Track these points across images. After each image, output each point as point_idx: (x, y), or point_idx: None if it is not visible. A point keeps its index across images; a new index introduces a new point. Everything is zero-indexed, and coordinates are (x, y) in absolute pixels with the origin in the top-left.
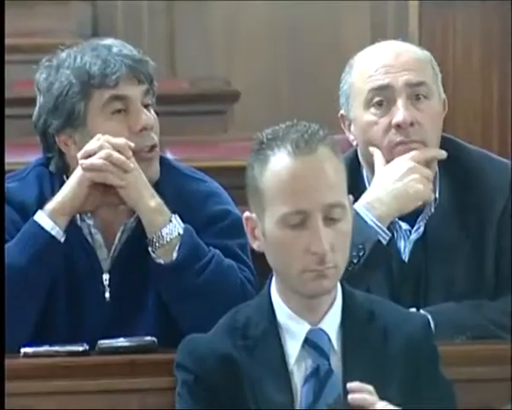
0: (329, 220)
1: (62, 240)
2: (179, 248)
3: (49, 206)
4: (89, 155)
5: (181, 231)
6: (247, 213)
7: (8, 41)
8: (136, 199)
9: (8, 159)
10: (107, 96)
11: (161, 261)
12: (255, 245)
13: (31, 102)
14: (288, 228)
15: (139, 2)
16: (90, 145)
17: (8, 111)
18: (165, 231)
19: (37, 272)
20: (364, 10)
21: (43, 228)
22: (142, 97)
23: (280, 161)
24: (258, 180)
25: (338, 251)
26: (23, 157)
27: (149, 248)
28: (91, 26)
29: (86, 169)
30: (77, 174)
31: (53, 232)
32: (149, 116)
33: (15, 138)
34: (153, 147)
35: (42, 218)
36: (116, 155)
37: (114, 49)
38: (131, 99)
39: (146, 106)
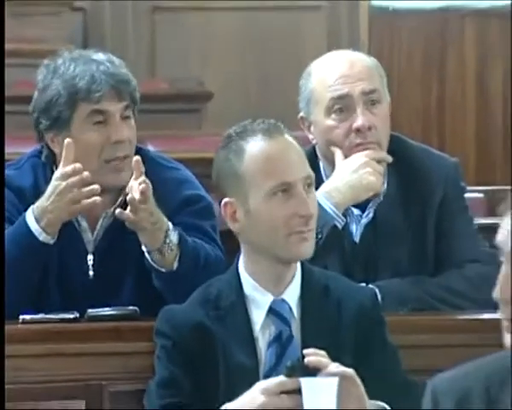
0: (307, 188)
1: (52, 242)
2: (179, 259)
3: (39, 215)
4: (68, 176)
5: (176, 240)
6: (226, 200)
7: (9, 46)
8: (146, 230)
9: (8, 150)
10: (90, 110)
11: (163, 270)
12: (235, 227)
13: (28, 100)
14: (275, 200)
15: (124, 14)
16: (66, 169)
17: (8, 108)
18: (167, 247)
19: (29, 262)
20: (321, 21)
21: (35, 236)
22: (121, 112)
23: (256, 146)
24: (237, 168)
25: (315, 216)
26: (21, 148)
27: (148, 257)
28: (82, 33)
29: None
30: (56, 194)
31: (44, 240)
32: (126, 129)
33: (14, 132)
34: (125, 157)
35: (33, 226)
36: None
37: (102, 67)
38: (111, 113)
39: (126, 117)
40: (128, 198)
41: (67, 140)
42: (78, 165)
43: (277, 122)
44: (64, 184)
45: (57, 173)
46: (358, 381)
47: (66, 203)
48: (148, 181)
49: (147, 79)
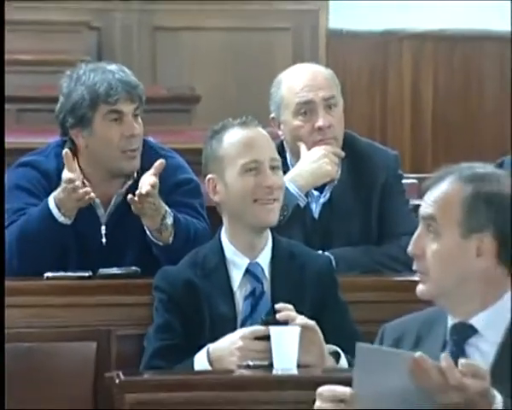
0: (272, 169)
1: (69, 223)
2: (174, 236)
3: (59, 203)
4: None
5: (171, 222)
6: (208, 176)
7: (37, 57)
8: (148, 214)
9: (35, 140)
10: (108, 109)
11: (161, 244)
12: (216, 198)
13: (51, 100)
14: (246, 175)
15: (131, 32)
16: (67, 175)
17: (34, 106)
18: (164, 226)
19: (51, 236)
20: (288, 40)
21: (55, 219)
22: (133, 111)
23: (234, 133)
24: (217, 151)
25: (279, 189)
26: (43, 139)
27: (149, 234)
28: (96, 47)
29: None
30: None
31: (63, 222)
32: (137, 126)
33: (39, 126)
34: (135, 149)
35: (54, 211)
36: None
37: (117, 76)
38: (125, 113)
39: (136, 115)
40: (136, 193)
41: (65, 150)
42: (69, 176)
43: (252, 118)
44: (69, 187)
45: (63, 176)
46: (318, 330)
47: (73, 200)
48: (157, 182)
49: (149, 85)
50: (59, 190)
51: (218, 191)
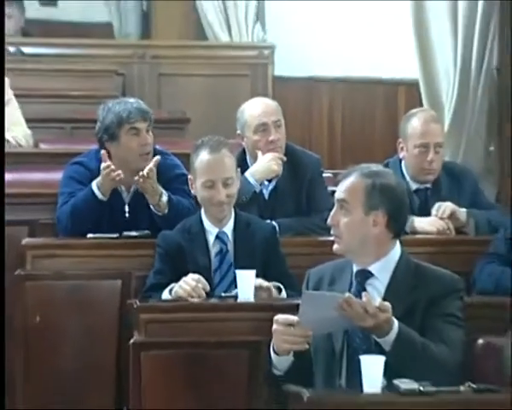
0: (225, 185)
1: (105, 199)
2: (169, 208)
3: (99, 185)
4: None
5: (166, 199)
6: (189, 176)
7: (83, 93)
8: (149, 191)
9: (82, 147)
10: (129, 127)
11: (160, 214)
12: (193, 191)
13: (89, 121)
14: (205, 188)
15: (144, 77)
16: (103, 165)
17: (82, 125)
18: (161, 202)
19: (92, 209)
20: (248, 82)
21: (96, 197)
22: (146, 128)
23: (202, 155)
24: (193, 164)
25: (231, 197)
26: (87, 147)
27: (152, 207)
28: (122, 87)
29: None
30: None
31: (101, 199)
32: (148, 138)
33: (84, 138)
34: (148, 153)
35: (96, 191)
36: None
37: (135, 105)
38: (140, 129)
39: (148, 130)
40: (139, 174)
41: (103, 151)
42: (107, 163)
43: (223, 139)
44: (106, 170)
45: (102, 166)
46: (270, 286)
47: (109, 181)
48: (154, 170)
49: (155, 110)
50: (99, 177)
51: (193, 188)
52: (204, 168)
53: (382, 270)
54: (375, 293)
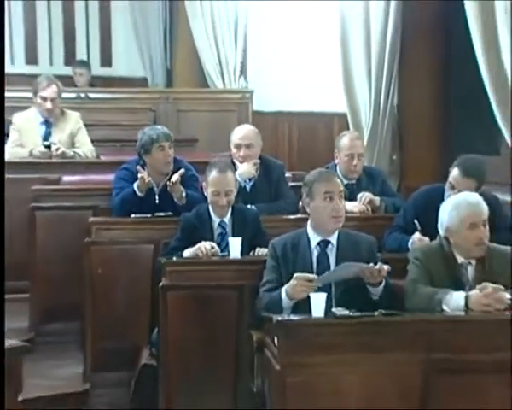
0: (226, 195)
1: (143, 195)
2: (186, 200)
3: (138, 186)
4: (142, 177)
5: (185, 194)
6: (203, 183)
7: (128, 122)
8: (175, 191)
9: (125, 158)
10: (158, 145)
11: (179, 203)
12: (205, 193)
13: (134, 141)
14: (213, 195)
15: (168, 113)
16: (140, 174)
17: (128, 143)
18: (182, 197)
19: (133, 201)
20: (234, 115)
21: (136, 194)
22: (169, 145)
23: (213, 173)
24: (208, 177)
25: (230, 201)
26: (131, 157)
27: (175, 198)
28: (153, 119)
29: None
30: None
31: (140, 196)
32: (170, 152)
33: (130, 152)
34: (169, 162)
35: (136, 190)
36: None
37: (162, 130)
38: (165, 146)
39: (170, 147)
40: (169, 182)
41: (138, 167)
42: (142, 174)
43: (228, 162)
44: (141, 180)
45: (138, 175)
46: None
47: (143, 184)
48: (179, 179)
49: (175, 134)
50: (137, 182)
51: (205, 191)
52: (213, 182)
53: (333, 238)
54: (330, 253)
